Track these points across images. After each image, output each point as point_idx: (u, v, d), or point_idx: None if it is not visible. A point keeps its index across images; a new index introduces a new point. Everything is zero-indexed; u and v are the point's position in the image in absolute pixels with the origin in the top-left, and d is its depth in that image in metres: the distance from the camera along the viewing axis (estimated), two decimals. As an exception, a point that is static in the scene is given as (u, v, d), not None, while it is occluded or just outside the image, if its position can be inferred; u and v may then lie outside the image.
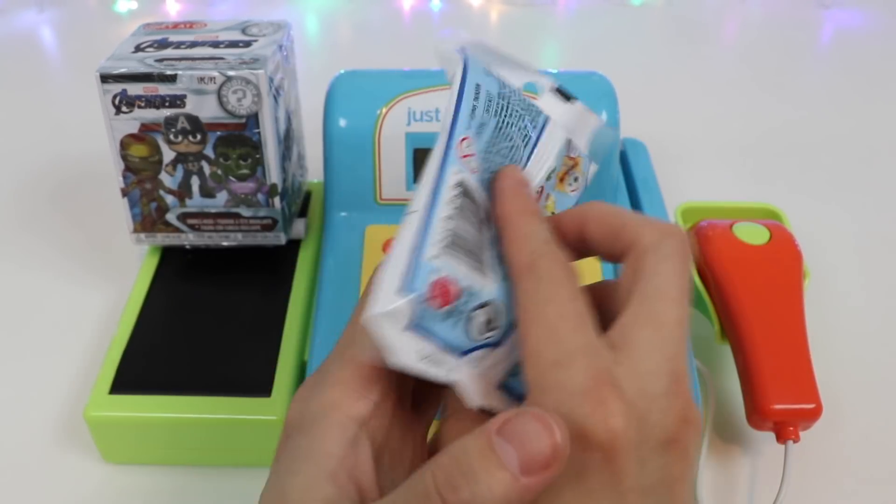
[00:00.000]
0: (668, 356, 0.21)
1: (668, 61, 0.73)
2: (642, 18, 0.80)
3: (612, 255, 0.24)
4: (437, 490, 0.19)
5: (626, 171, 0.47)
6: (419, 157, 0.42)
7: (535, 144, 0.28)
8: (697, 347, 0.41)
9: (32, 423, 0.40)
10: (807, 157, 0.60)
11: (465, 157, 0.25)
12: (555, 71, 0.45)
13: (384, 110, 0.41)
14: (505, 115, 0.27)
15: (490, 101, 0.26)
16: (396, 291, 0.22)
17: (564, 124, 0.29)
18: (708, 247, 0.41)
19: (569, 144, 0.29)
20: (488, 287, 0.24)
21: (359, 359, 0.23)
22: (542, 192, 0.28)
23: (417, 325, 0.23)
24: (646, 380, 0.20)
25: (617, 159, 0.44)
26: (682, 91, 0.68)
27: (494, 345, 0.24)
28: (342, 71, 0.44)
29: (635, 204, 0.44)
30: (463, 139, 0.25)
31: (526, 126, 0.27)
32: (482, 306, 0.24)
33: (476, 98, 0.26)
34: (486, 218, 0.25)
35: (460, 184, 0.24)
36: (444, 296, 0.23)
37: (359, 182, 0.42)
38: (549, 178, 0.28)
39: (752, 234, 0.41)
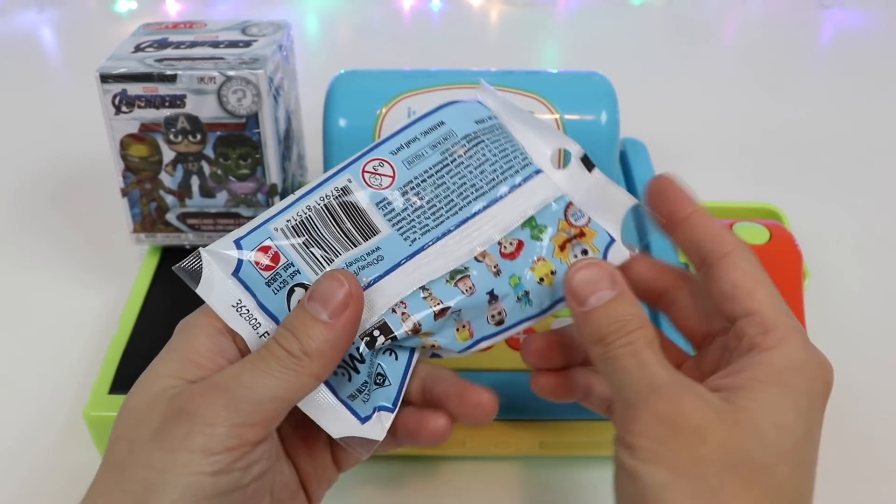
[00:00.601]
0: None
1: (668, 61, 0.73)
2: (642, 18, 0.80)
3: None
4: (277, 344, 0.25)
5: (625, 170, 0.47)
6: (419, 158, 0.42)
7: (510, 190, 0.28)
8: None
9: (32, 422, 0.39)
10: (807, 157, 0.60)
11: (367, 173, 0.28)
12: (555, 71, 0.45)
13: (384, 110, 0.41)
14: (460, 155, 0.28)
15: (445, 139, 0.28)
16: (233, 239, 0.27)
17: (574, 190, 0.29)
18: None
19: (568, 208, 0.29)
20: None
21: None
22: (519, 245, 0.28)
23: (241, 279, 0.26)
24: None
25: (616, 159, 0.44)
26: (682, 91, 0.68)
27: None
28: (342, 71, 0.44)
29: (635, 203, 0.44)
30: (374, 160, 0.28)
31: (499, 169, 0.29)
32: (304, 286, 0.26)
33: (427, 133, 0.29)
34: (369, 228, 0.28)
35: (344, 189, 0.28)
36: (268, 259, 0.27)
37: (359, 182, 0.42)
38: (535, 236, 0.28)
39: (752, 234, 0.41)
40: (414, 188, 0.28)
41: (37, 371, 0.42)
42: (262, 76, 0.37)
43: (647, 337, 0.25)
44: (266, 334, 0.26)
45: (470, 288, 0.27)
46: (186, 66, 0.37)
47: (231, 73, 0.37)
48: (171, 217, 0.41)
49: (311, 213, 0.27)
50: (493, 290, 0.28)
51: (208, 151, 0.39)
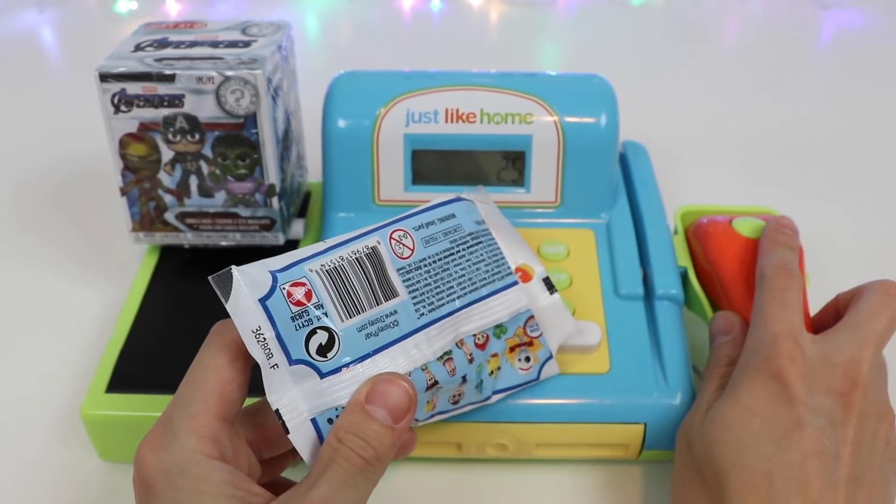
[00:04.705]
0: (854, 347, 0.31)
1: (668, 61, 0.73)
2: (642, 18, 0.80)
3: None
4: (353, 452, 0.26)
5: (625, 173, 0.47)
6: (418, 159, 0.42)
7: (493, 292, 0.32)
8: (697, 352, 0.41)
9: (29, 421, 0.39)
10: (807, 158, 0.60)
11: (394, 240, 0.30)
12: (554, 73, 0.45)
13: (383, 111, 0.41)
14: (464, 249, 0.32)
15: (455, 231, 0.32)
16: (268, 269, 0.28)
17: (537, 306, 0.34)
18: (708, 243, 0.41)
19: (529, 319, 0.33)
20: (343, 325, 0.28)
21: (202, 412, 0.27)
22: (486, 339, 0.32)
23: (267, 308, 0.27)
24: (828, 353, 0.31)
25: (616, 161, 0.44)
26: (682, 91, 0.68)
27: (320, 373, 0.27)
28: (341, 72, 0.44)
29: (635, 206, 0.44)
30: (400, 230, 0.31)
31: (489, 271, 0.32)
32: (327, 330, 0.27)
33: (442, 220, 0.32)
34: (391, 290, 0.30)
35: (374, 249, 0.30)
36: (301, 294, 0.27)
37: (357, 183, 0.42)
38: (497, 335, 0.32)
39: (751, 229, 0.41)
40: (427, 266, 0.31)
41: (34, 369, 0.42)
42: (261, 76, 0.37)
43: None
44: (276, 366, 0.27)
45: (453, 370, 0.30)
46: (185, 66, 0.37)
47: (229, 73, 0.37)
48: (169, 216, 0.41)
49: (344, 263, 0.29)
50: (465, 374, 0.31)
51: (206, 151, 0.39)
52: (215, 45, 0.40)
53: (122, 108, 0.38)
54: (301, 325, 0.27)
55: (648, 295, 0.40)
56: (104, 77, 0.37)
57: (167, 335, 0.39)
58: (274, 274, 0.27)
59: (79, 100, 0.63)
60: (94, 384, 0.36)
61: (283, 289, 0.27)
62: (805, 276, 0.41)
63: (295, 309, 0.27)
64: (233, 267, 0.27)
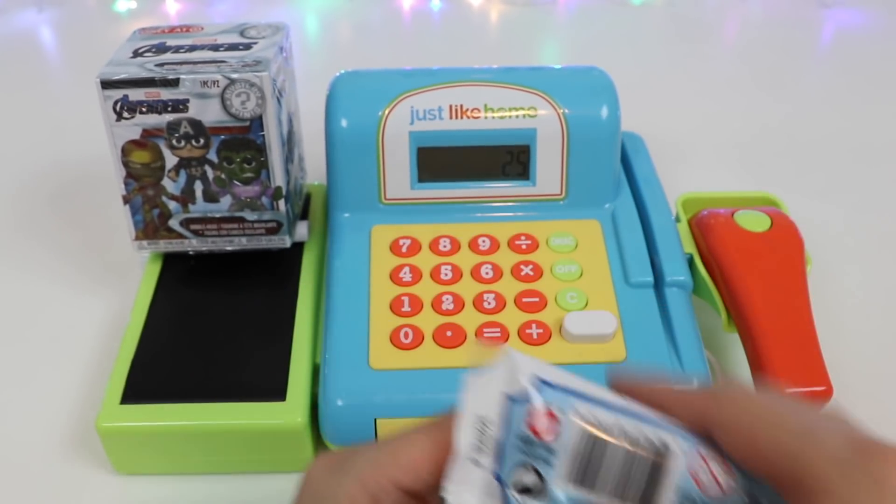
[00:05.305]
0: None
1: (669, 61, 0.73)
2: (642, 18, 0.80)
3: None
4: None
5: (625, 164, 0.47)
6: (423, 156, 0.42)
7: None
8: (706, 337, 0.41)
9: (40, 435, 0.39)
10: (805, 157, 0.60)
11: (703, 459, 0.23)
12: (555, 66, 0.45)
13: (387, 110, 0.41)
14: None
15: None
16: (538, 374, 0.22)
17: None
18: (710, 235, 0.41)
19: None
20: (561, 487, 0.22)
21: (385, 466, 0.24)
22: None
23: (509, 409, 0.22)
24: None
25: (618, 152, 0.44)
26: (683, 91, 0.68)
27: None
28: (342, 71, 0.44)
29: (637, 196, 0.44)
30: (722, 462, 0.23)
31: None
32: (541, 477, 0.22)
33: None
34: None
35: (662, 457, 0.23)
36: (544, 426, 0.22)
37: (363, 183, 0.42)
38: None
39: (754, 222, 0.41)
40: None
41: (40, 381, 0.42)
42: (266, 78, 0.37)
43: None
44: (477, 463, 0.23)
45: None
46: (189, 70, 0.37)
47: (235, 75, 0.37)
48: (174, 223, 0.41)
49: (617, 443, 0.22)
50: None
51: (212, 156, 0.39)
52: (215, 48, 0.39)
53: (125, 114, 0.37)
54: (521, 451, 0.22)
55: (657, 282, 0.40)
56: (106, 84, 0.37)
57: (177, 344, 0.39)
58: (540, 384, 0.23)
59: (78, 101, 0.63)
60: (108, 396, 0.36)
61: (536, 406, 0.22)
62: (807, 257, 0.41)
63: (527, 434, 0.22)
64: (510, 348, 0.23)
